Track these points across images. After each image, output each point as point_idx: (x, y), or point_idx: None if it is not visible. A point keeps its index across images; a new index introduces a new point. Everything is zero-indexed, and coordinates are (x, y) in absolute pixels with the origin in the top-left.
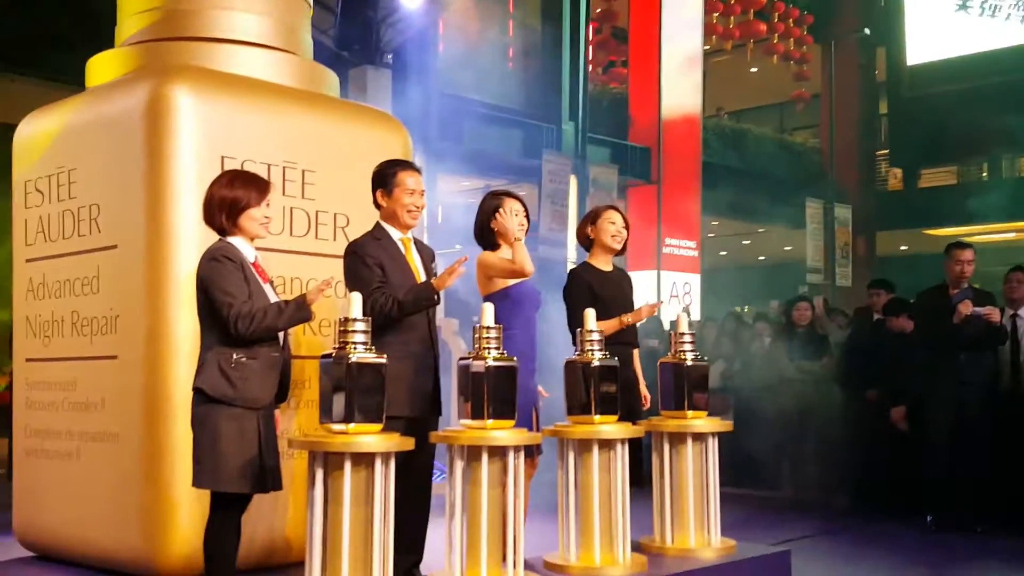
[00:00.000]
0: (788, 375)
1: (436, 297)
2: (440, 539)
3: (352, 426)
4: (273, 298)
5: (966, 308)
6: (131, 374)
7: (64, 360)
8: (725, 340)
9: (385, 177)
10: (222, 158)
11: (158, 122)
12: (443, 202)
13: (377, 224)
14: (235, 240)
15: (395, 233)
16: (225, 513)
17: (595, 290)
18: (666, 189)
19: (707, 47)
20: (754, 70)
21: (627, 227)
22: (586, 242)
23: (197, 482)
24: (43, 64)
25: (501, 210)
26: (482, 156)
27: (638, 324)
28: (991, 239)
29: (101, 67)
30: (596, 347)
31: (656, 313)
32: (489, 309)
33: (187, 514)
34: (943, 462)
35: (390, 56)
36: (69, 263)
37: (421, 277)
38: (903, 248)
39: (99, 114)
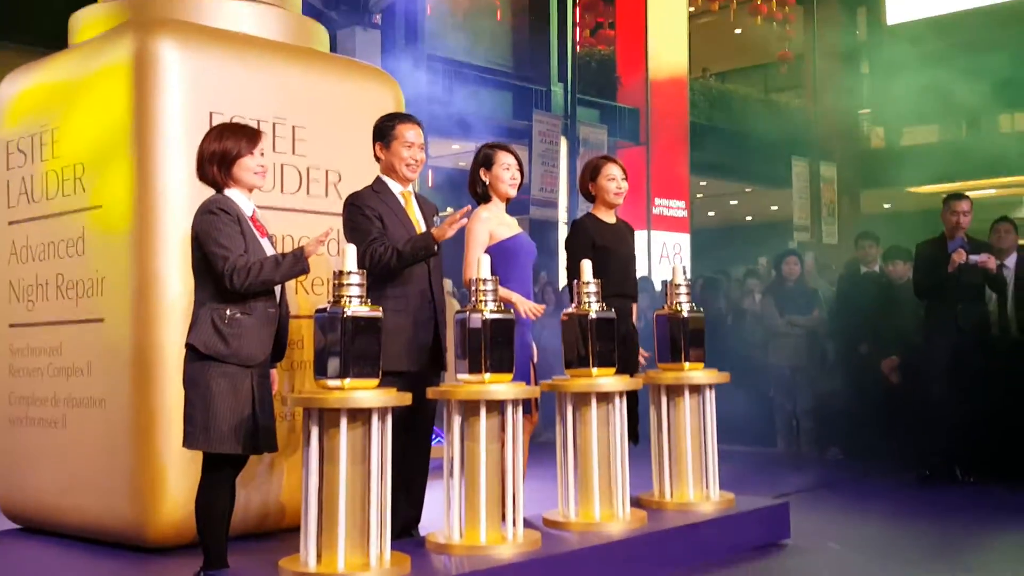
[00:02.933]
0: (779, 330)
1: (436, 247)
2: (438, 502)
3: (348, 382)
4: (271, 252)
5: (959, 257)
6: (118, 337)
7: (49, 324)
8: (715, 297)
9: (384, 130)
10: (210, 114)
11: (144, 77)
12: (433, 165)
13: (377, 178)
14: (232, 193)
15: (395, 186)
16: (218, 475)
17: (596, 241)
18: (654, 150)
19: (692, 9)
20: (738, 31)
21: (626, 178)
22: (588, 196)
23: (188, 443)
24: (25, 29)
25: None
26: (472, 118)
27: (636, 278)
28: (973, 195)
29: (84, 23)
30: (593, 299)
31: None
32: (485, 261)
33: (177, 481)
34: (937, 413)
35: (378, 17)
36: (53, 224)
37: (421, 231)
38: (886, 206)
39: (83, 71)
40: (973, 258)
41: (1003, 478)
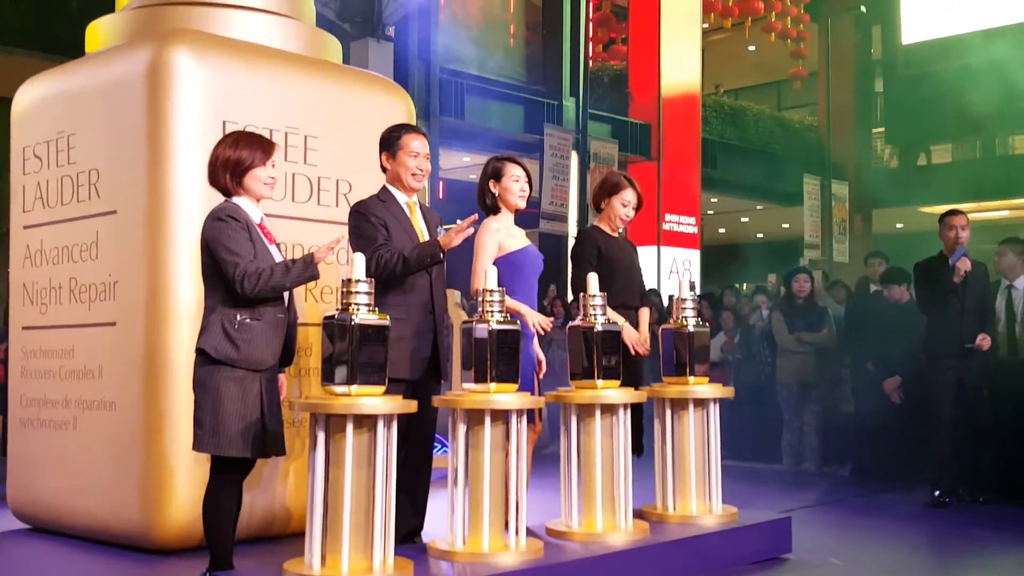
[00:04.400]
0: (788, 347)
1: (442, 255)
2: (440, 512)
3: (355, 388)
4: (279, 259)
5: (964, 264)
6: (130, 340)
7: (62, 328)
8: (725, 314)
9: (390, 140)
10: (223, 123)
11: (159, 86)
12: (444, 178)
13: (383, 187)
14: (240, 201)
15: (400, 196)
16: (225, 478)
17: (602, 250)
18: (666, 165)
19: (706, 25)
20: (752, 48)
21: (638, 207)
22: (598, 208)
23: (197, 446)
24: (44, 37)
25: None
26: (484, 131)
27: (644, 288)
28: (986, 217)
29: (101, 32)
30: (599, 311)
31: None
32: (493, 272)
33: (185, 484)
34: (944, 434)
35: (391, 30)
36: (68, 229)
37: (425, 239)
38: (899, 226)
39: (99, 78)
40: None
41: (1009, 498)
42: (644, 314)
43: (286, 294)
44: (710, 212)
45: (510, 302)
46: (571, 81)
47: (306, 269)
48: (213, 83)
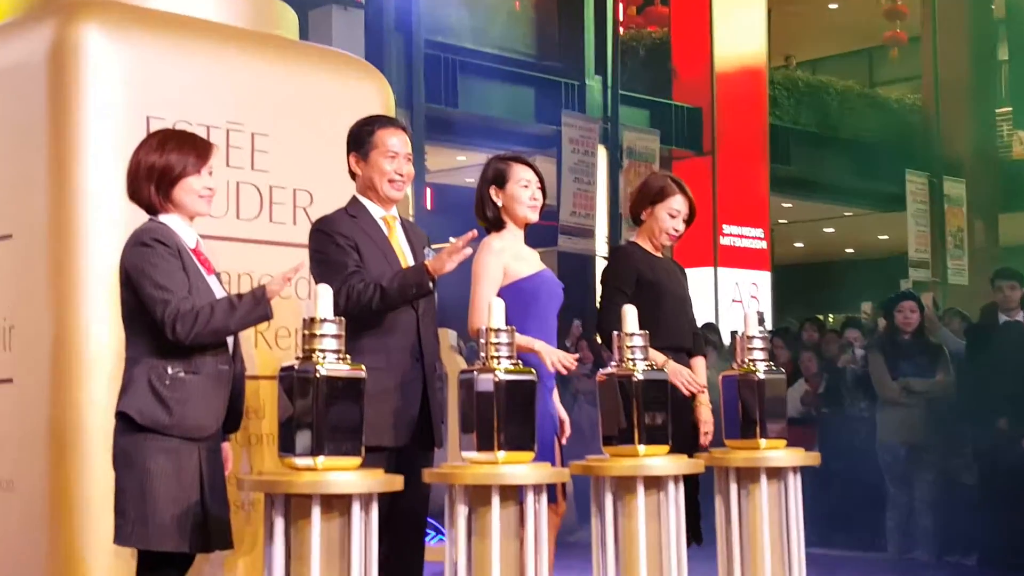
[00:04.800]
0: (891, 398)
1: (431, 285)
2: None
3: (322, 460)
4: (220, 293)
5: None
6: (30, 402)
7: None
8: (805, 355)
9: (360, 137)
10: (147, 119)
11: (63, 73)
12: (433, 183)
13: (353, 199)
14: (169, 219)
15: (375, 210)
16: None
17: (643, 275)
18: (722, 162)
19: None
20: (833, 6)
21: (690, 219)
22: (638, 220)
23: (120, 539)
24: None
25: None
26: (482, 122)
27: (697, 326)
28: None
29: None
30: (639, 354)
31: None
32: (498, 305)
33: None
34: None
35: None
36: None
37: (409, 263)
38: None
39: None
40: None
41: None
42: (700, 364)
43: (231, 339)
44: (782, 221)
45: (521, 339)
46: (596, 55)
47: (256, 307)
48: (133, 68)
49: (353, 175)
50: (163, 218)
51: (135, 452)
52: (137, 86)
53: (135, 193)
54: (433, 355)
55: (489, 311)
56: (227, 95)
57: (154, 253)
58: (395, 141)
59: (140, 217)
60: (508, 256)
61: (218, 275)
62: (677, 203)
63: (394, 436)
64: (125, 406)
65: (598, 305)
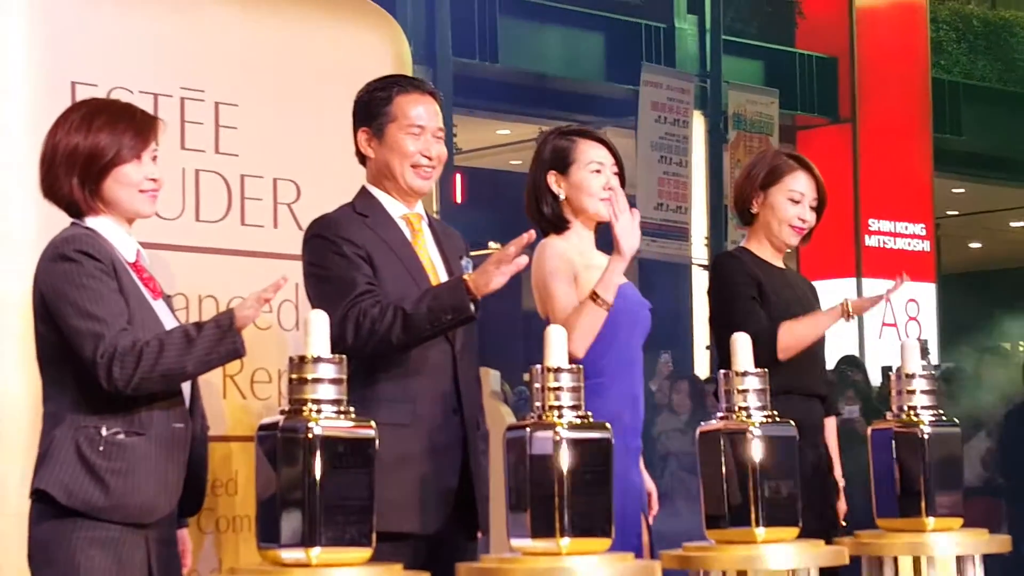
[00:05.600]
0: None
1: (474, 308)
2: None
3: (317, 552)
4: (172, 323)
5: None
6: None
7: None
8: (987, 399)
9: (372, 107)
10: (72, 85)
11: None
12: (464, 166)
13: (362, 191)
14: (99, 223)
15: (394, 207)
16: None
17: (764, 287)
18: (866, 132)
19: None
20: None
21: (820, 209)
22: (746, 215)
23: None
24: None
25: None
26: (533, 82)
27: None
28: None
29: None
30: (755, 400)
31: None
32: (559, 336)
33: None
34: None
35: None
36: None
37: (442, 280)
38: None
39: None
40: None
41: None
42: (831, 427)
43: (187, 386)
44: (952, 213)
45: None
46: None
47: (222, 340)
48: (53, 18)
49: (362, 159)
50: (90, 222)
51: (58, 544)
52: (60, 44)
53: (52, 189)
54: (475, 406)
55: (547, 340)
56: (179, 54)
57: (80, 270)
58: (420, 111)
59: (59, 221)
60: (578, 264)
61: (168, 299)
62: (800, 183)
63: (422, 520)
64: (44, 482)
65: (714, 320)
